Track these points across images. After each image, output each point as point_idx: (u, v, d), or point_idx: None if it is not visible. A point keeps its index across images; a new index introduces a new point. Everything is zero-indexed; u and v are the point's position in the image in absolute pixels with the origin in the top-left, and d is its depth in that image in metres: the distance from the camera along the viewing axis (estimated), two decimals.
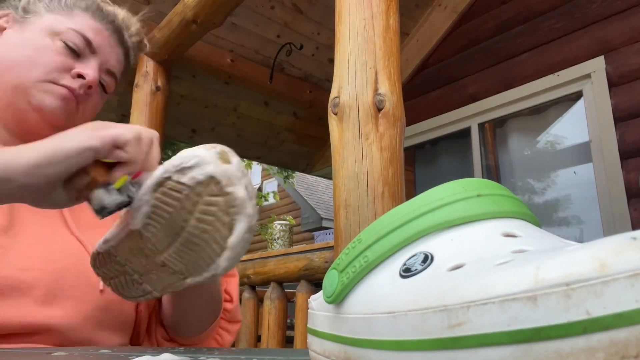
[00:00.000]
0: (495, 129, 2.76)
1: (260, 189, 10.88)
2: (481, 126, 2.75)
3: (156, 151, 0.47)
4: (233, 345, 2.01)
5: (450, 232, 0.23)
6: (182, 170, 0.39)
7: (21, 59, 0.61)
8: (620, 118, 2.16)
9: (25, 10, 0.65)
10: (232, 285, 0.75)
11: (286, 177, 9.26)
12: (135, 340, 0.72)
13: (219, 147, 0.41)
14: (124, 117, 2.82)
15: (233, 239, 0.40)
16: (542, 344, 0.15)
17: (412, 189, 3.07)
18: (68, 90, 0.62)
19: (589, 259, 0.15)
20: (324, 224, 8.44)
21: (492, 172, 2.73)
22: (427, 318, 0.18)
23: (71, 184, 0.43)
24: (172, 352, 0.39)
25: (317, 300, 0.29)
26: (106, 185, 0.44)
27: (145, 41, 0.77)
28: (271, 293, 1.78)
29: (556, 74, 2.40)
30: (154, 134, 0.48)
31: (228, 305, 0.73)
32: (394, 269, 0.22)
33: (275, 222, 3.13)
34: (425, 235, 0.23)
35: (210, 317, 0.68)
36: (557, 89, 2.41)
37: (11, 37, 0.64)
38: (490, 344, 0.16)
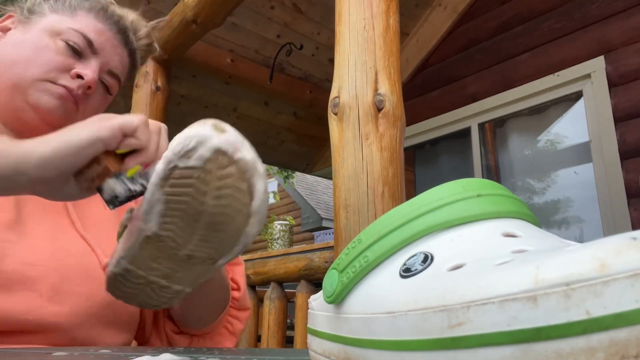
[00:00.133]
0: (495, 129, 2.77)
1: None
2: (481, 126, 2.75)
3: (164, 140, 0.47)
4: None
5: (450, 232, 0.23)
6: (186, 154, 0.37)
7: (20, 57, 0.61)
8: (620, 118, 2.16)
9: (30, 11, 0.66)
10: (238, 273, 0.75)
11: (286, 177, 9.27)
12: (141, 336, 0.72)
13: (210, 121, 0.39)
14: None
15: (256, 202, 0.38)
16: (542, 344, 0.15)
17: (412, 189, 3.07)
18: (66, 90, 0.62)
19: (589, 259, 0.15)
20: (324, 224, 8.43)
21: (492, 172, 2.73)
22: (427, 318, 0.18)
23: (82, 175, 0.43)
24: (172, 352, 0.39)
25: (317, 300, 0.29)
26: (118, 175, 0.43)
27: (156, 45, 0.76)
28: (271, 293, 1.78)
29: (556, 74, 2.40)
30: (162, 125, 0.49)
31: (236, 294, 0.73)
32: (394, 269, 0.22)
33: (275, 222, 3.13)
34: (425, 235, 0.23)
35: (220, 307, 0.68)
36: (557, 89, 2.41)
37: (14, 37, 0.64)
38: (490, 344, 0.16)
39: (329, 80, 1.46)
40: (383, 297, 0.21)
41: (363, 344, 0.22)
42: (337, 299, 0.25)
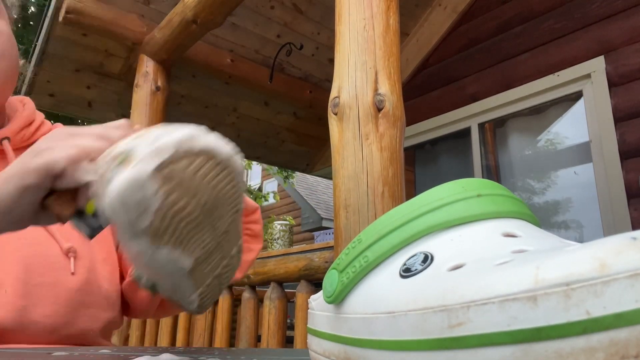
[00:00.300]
0: (495, 129, 2.76)
1: (260, 189, 10.88)
2: (481, 126, 2.75)
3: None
4: (234, 343, 2.01)
5: (450, 232, 0.23)
6: (159, 166, 0.32)
7: None
8: (620, 118, 2.16)
9: None
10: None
11: (286, 177, 9.26)
12: (126, 309, 0.70)
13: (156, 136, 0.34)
14: (124, 117, 2.82)
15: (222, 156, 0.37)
16: (542, 344, 0.15)
17: (412, 189, 3.07)
18: None
19: (589, 259, 0.15)
20: (324, 224, 8.43)
21: (492, 172, 2.73)
22: (427, 318, 0.18)
23: (48, 208, 0.38)
24: (172, 352, 0.39)
25: (317, 300, 0.29)
26: (78, 214, 0.38)
27: None
28: (271, 293, 1.78)
29: (556, 74, 2.40)
30: (108, 131, 0.40)
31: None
32: (394, 269, 0.22)
33: (275, 222, 3.14)
34: (425, 235, 0.23)
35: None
36: (557, 89, 2.41)
37: None
38: (490, 344, 0.16)
39: (329, 80, 1.46)
40: (383, 297, 0.21)
41: (363, 344, 0.22)
42: (337, 299, 0.25)
